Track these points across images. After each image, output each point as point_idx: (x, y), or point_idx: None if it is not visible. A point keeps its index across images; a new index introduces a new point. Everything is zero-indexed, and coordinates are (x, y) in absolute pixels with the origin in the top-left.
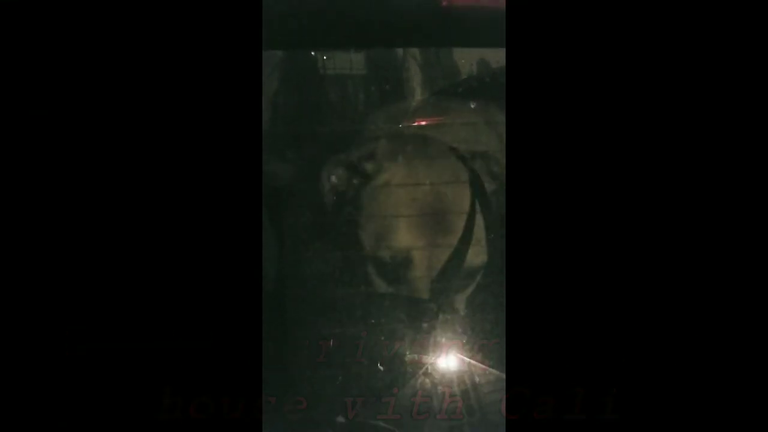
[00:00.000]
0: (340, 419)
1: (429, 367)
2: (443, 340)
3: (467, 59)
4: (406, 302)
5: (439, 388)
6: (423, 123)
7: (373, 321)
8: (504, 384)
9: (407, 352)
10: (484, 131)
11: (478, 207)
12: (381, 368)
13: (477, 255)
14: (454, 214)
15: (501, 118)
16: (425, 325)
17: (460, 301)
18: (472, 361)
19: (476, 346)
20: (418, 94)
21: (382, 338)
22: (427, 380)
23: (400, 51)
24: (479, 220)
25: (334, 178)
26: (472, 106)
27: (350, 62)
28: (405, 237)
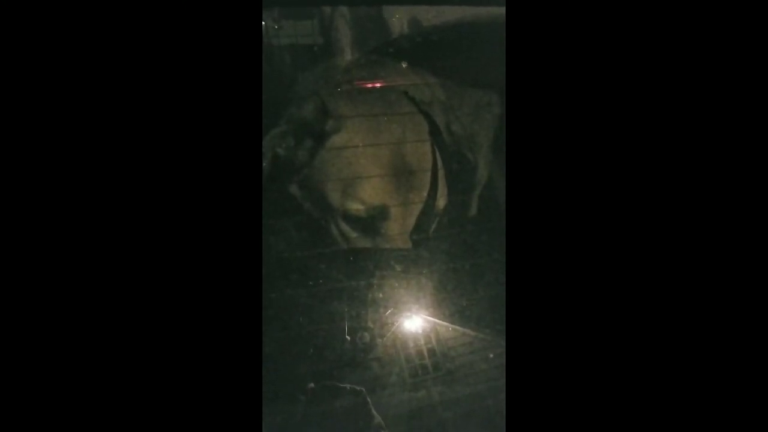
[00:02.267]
0: (311, 385)
1: (394, 329)
2: (407, 298)
3: (398, 18)
4: (359, 260)
5: (403, 350)
6: (359, 84)
7: (325, 281)
8: (469, 339)
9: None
10: (427, 92)
11: (439, 162)
12: (348, 338)
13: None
14: (419, 171)
15: (434, 80)
16: (376, 283)
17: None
18: (437, 320)
19: (441, 305)
20: (347, 54)
21: (334, 302)
22: (393, 341)
23: (328, 10)
24: (441, 175)
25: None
26: (404, 65)
27: (295, 29)
28: (374, 193)
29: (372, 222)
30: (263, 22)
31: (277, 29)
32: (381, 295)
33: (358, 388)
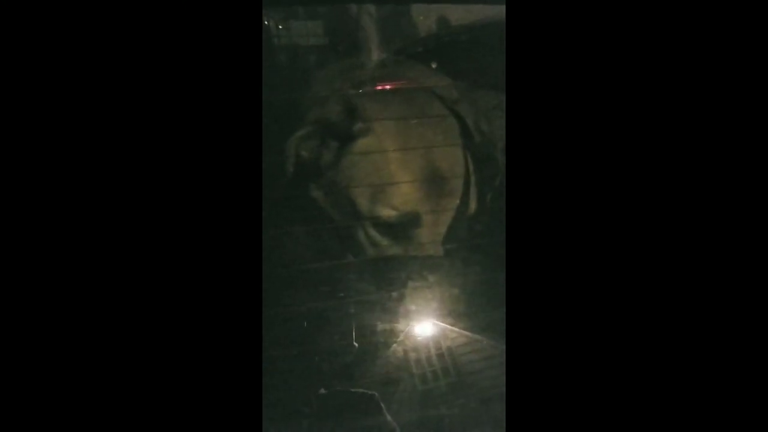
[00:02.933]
0: (322, 391)
1: (403, 335)
2: (415, 306)
3: (426, 17)
4: (378, 270)
5: (413, 354)
6: (387, 85)
7: (342, 294)
8: (479, 345)
9: (379, 322)
10: (455, 92)
11: (471, 168)
12: (355, 344)
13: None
14: (451, 176)
15: (463, 80)
16: (396, 293)
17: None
18: (446, 325)
19: (449, 310)
20: (374, 55)
21: (351, 311)
22: (402, 348)
23: (354, 8)
24: (473, 180)
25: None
26: (433, 66)
27: (306, 29)
28: (405, 199)
29: (402, 229)
30: (266, 22)
31: (281, 29)
32: (414, 307)
33: (369, 392)
